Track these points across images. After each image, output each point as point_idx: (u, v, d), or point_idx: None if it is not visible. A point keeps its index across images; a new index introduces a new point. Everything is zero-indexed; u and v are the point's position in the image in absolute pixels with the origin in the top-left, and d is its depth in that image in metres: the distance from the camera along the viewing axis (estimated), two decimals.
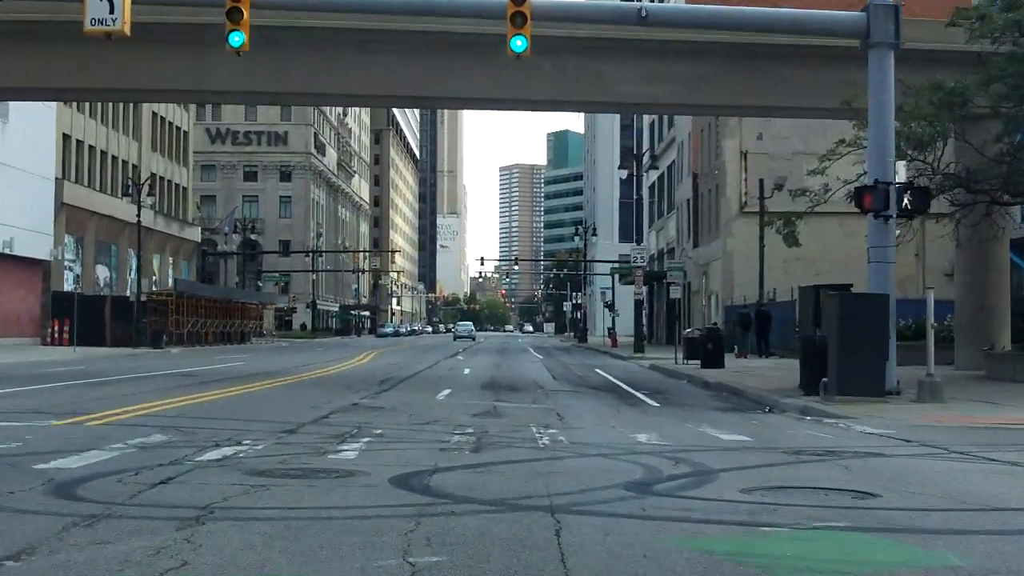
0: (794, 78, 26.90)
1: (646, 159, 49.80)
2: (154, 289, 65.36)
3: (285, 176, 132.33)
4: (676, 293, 36.51)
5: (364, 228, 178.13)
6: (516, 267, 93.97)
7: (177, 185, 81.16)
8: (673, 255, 66.56)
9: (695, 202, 57.81)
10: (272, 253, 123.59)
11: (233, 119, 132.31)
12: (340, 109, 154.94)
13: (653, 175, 49.71)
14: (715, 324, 46.52)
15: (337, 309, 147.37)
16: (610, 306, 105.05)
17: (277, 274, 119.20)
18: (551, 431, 13.50)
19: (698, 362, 32.67)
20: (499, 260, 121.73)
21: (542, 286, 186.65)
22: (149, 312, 58.60)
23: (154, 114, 76.05)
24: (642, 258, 46.89)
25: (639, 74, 25.98)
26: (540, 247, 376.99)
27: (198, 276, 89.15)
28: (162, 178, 77.33)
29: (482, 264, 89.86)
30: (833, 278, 49.70)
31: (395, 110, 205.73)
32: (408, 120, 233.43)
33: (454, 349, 58.18)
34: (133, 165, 71.40)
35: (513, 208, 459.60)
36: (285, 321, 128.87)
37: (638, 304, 48.91)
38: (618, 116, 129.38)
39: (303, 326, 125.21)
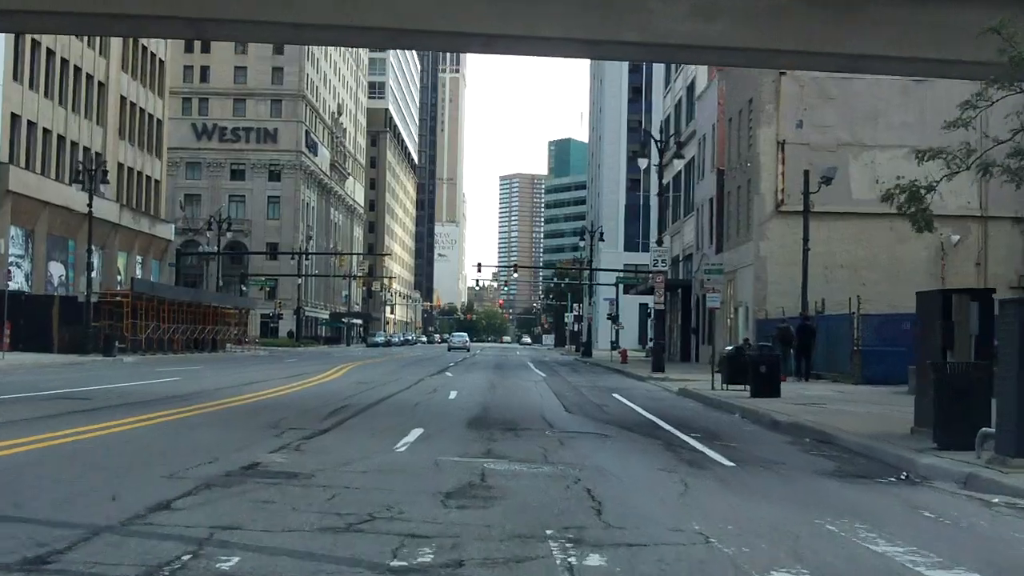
0: (889, 19, 20.31)
1: (670, 146, 43.11)
2: (118, 289, 58.63)
3: (274, 175, 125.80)
4: (715, 302, 29.57)
5: (358, 232, 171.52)
6: (516, 274, 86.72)
7: (148, 178, 74.53)
8: (691, 262, 59.94)
9: (719, 202, 51.22)
10: (257, 254, 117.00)
11: (220, 114, 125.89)
12: (334, 107, 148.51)
13: (678, 165, 43.20)
14: (747, 340, 39.93)
15: (327, 317, 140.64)
16: (614, 318, 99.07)
17: (263, 278, 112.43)
18: (588, 551, 6.85)
19: (742, 387, 26.11)
20: (497, 266, 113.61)
21: (541, 296, 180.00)
22: (104, 315, 51.98)
23: (123, 98, 69.45)
24: (663, 261, 40.21)
25: (689, 6, 19.40)
26: (539, 258, 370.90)
27: (177, 278, 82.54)
28: (131, 169, 70.75)
29: (479, 270, 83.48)
30: (881, 289, 43.04)
31: (393, 113, 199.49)
32: (407, 123, 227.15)
33: (445, 363, 51.59)
34: (96, 153, 64.79)
35: (513, 218, 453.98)
36: (271, 328, 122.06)
37: (658, 315, 42.23)
38: (626, 114, 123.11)
39: (290, 333, 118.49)
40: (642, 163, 53.01)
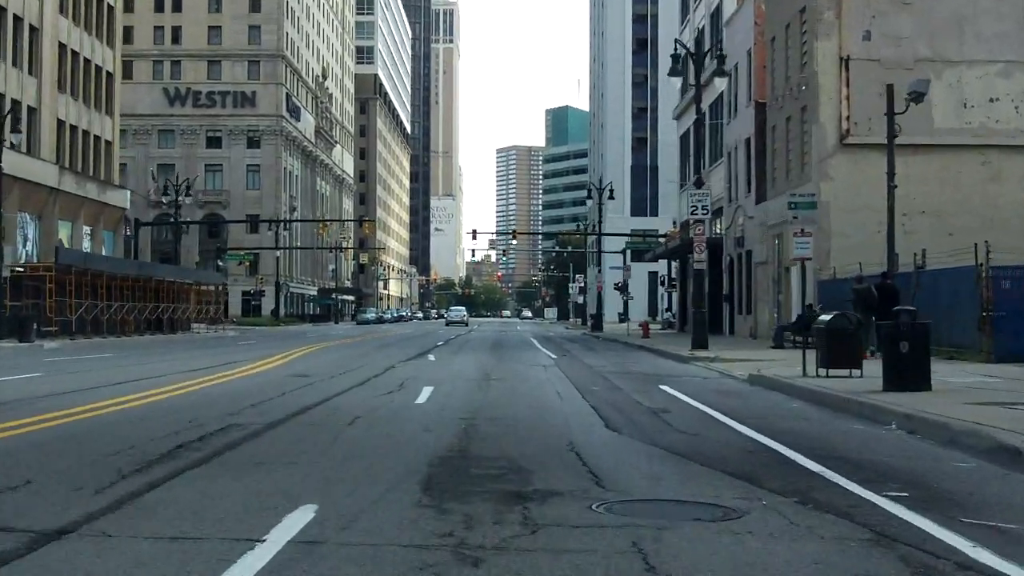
0: None
1: (706, 66, 34.30)
2: (35, 262, 50.00)
3: (253, 142, 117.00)
4: (805, 249, 20.47)
5: (348, 205, 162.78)
6: (515, 241, 77.93)
7: (97, 138, 65.73)
8: (719, 218, 51.32)
9: (759, 141, 42.53)
10: (228, 223, 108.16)
11: (194, 78, 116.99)
12: (319, 70, 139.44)
13: (719, 85, 34.39)
14: (809, 306, 31.40)
15: (315, 293, 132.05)
16: (623, 288, 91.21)
17: (242, 252, 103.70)
18: None
19: (841, 371, 17.73)
20: (495, 233, 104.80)
21: (541, 268, 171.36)
22: (26, 292, 43.51)
23: (62, 46, 60.56)
24: (704, 208, 31.51)
25: None
26: (539, 230, 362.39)
27: (135, 252, 73.97)
28: (74, 127, 61.96)
29: (474, 238, 73.91)
30: (975, 239, 34.47)
31: (383, 79, 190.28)
32: (398, 92, 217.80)
33: (431, 342, 43.10)
34: (29, 107, 56.09)
35: (511, 191, 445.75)
36: (253, 306, 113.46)
37: (698, 277, 33.50)
38: (630, 69, 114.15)
39: (274, 311, 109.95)
40: (675, 83, 43.58)
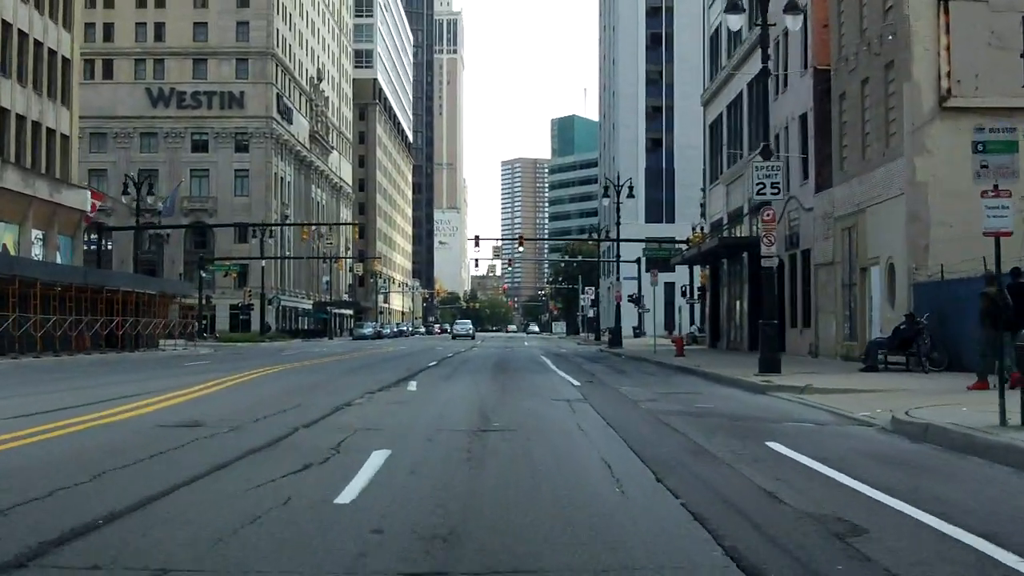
0: None
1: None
2: None
3: (241, 146, 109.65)
4: (1002, 220, 12.67)
5: (346, 214, 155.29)
6: (521, 248, 70.39)
7: (51, 131, 58.32)
8: (758, 213, 43.65)
9: (821, 115, 34.88)
10: (219, 227, 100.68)
11: (179, 77, 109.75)
12: (313, 71, 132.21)
13: (792, 25, 26.78)
14: (910, 316, 23.86)
15: (310, 307, 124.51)
16: (637, 300, 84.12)
17: (228, 263, 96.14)
18: None
19: None
20: (500, 239, 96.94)
21: (550, 279, 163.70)
22: None
23: (5, 24, 53.19)
24: (775, 185, 23.87)
25: None
26: (544, 245, 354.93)
27: (97, 260, 66.65)
28: (21, 116, 54.57)
29: (476, 245, 66.26)
30: None
31: (383, 84, 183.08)
32: (400, 99, 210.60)
33: (423, 362, 35.58)
34: None
35: (516, 203, 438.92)
36: (242, 321, 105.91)
37: (765, 280, 25.70)
38: (643, 64, 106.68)
39: (267, 326, 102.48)
40: (733, 23, 35.03)
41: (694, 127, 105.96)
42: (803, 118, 36.46)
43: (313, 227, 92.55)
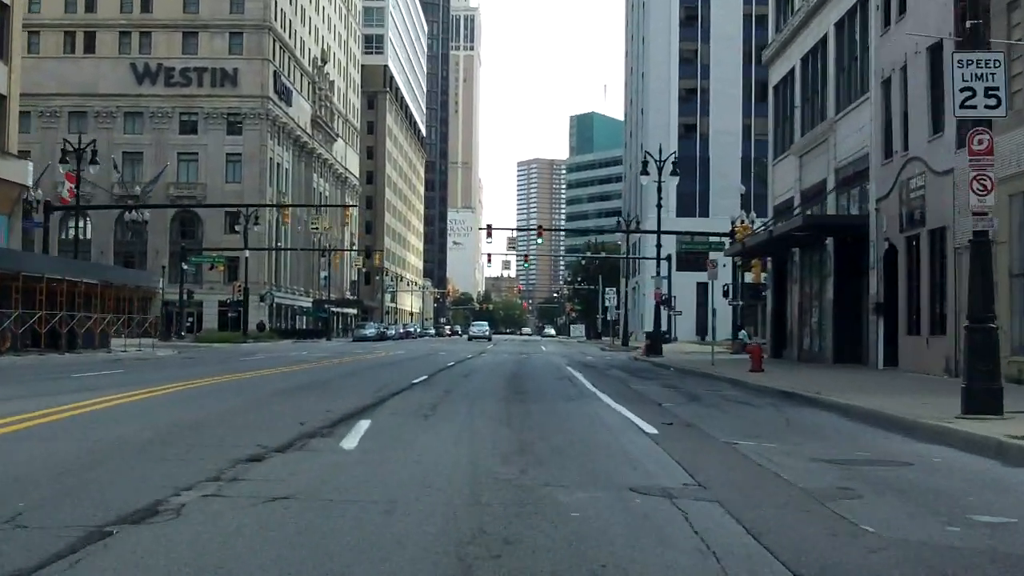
0: None
1: None
2: None
3: (234, 127, 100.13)
4: None
5: (351, 208, 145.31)
6: (540, 240, 61.71)
7: None
8: (851, 186, 33.86)
9: (971, 35, 24.94)
10: (192, 206, 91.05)
11: (166, 52, 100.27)
12: (317, 51, 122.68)
13: None
14: None
15: (310, 305, 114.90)
16: (665, 302, 74.90)
17: (214, 255, 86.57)
18: None
19: None
20: (515, 230, 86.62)
21: (568, 277, 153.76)
22: None
23: None
24: (993, 97, 14.08)
25: None
26: (560, 245, 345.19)
27: (42, 242, 57.05)
28: None
29: (489, 235, 56.44)
30: None
31: (394, 72, 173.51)
32: (412, 89, 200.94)
33: (409, 376, 25.82)
34: None
35: (531, 204, 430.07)
36: (231, 319, 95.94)
37: (979, 250, 15.53)
38: (677, 44, 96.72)
39: (260, 325, 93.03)
40: (732, 55, 26.21)
41: (731, 111, 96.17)
42: (934, 50, 26.55)
43: (298, 210, 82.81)
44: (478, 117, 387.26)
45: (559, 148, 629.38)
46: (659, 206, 47.29)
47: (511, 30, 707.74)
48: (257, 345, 67.74)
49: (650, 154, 48.57)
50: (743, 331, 57.25)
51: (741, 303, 67.03)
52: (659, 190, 47.20)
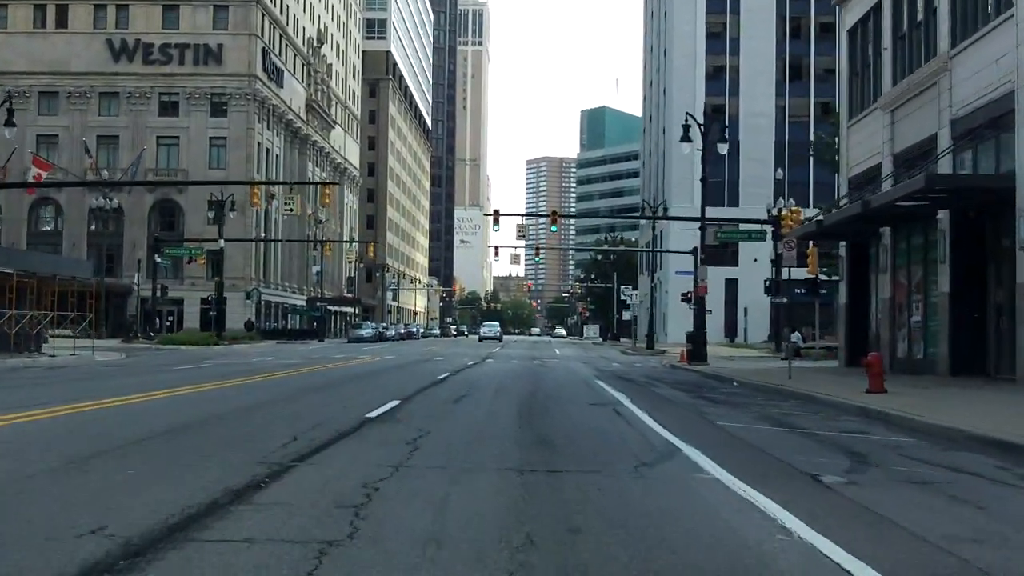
0: None
1: None
2: None
3: (218, 109, 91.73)
4: None
5: (351, 200, 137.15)
6: (554, 227, 53.95)
7: None
8: (981, 139, 25.17)
9: None
10: (161, 183, 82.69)
11: (145, 27, 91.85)
12: (312, 31, 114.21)
13: None
14: None
15: (303, 303, 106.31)
16: (693, 299, 67.11)
17: (191, 247, 78.02)
18: None
19: None
20: (523, 215, 78.61)
21: (581, 274, 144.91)
22: None
23: None
24: None
25: None
26: (570, 243, 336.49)
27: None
28: None
29: (495, 221, 47.37)
30: None
31: (397, 59, 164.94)
32: (416, 78, 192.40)
33: (371, 401, 17.18)
34: None
35: (540, 203, 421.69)
36: (213, 317, 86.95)
37: None
38: (704, 6, 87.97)
39: (248, 324, 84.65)
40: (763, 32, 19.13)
41: (764, 91, 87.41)
42: None
43: (289, 199, 74.12)
44: (486, 114, 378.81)
45: (568, 146, 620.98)
46: (704, 179, 38.61)
47: (519, 25, 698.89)
48: (231, 348, 59.27)
49: (692, 115, 39.78)
50: (796, 332, 48.58)
51: (786, 300, 58.35)
52: (704, 160, 38.50)
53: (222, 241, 65.26)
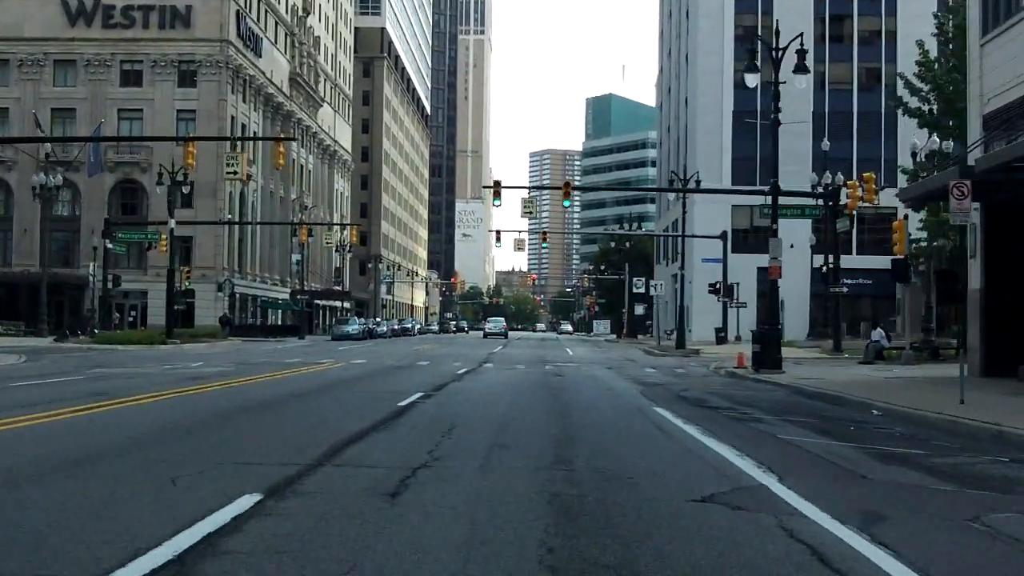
0: None
1: None
2: None
3: (187, 78, 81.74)
4: None
5: (342, 185, 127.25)
6: (567, 202, 44.55)
7: None
8: None
9: None
10: (104, 135, 72.78)
11: None
12: (297, 0, 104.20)
13: None
14: None
15: (287, 296, 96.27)
16: (722, 291, 59.28)
17: (148, 231, 68.08)
18: None
19: None
20: (528, 188, 70.57)
21: (590, 266, 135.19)
22: None
23: None
24: None
25: None
26: (573, 239, 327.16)
27: None
28: None
29: (497, 196, 37.10)
30: None
31: (393, 37, 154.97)
32: (414, 59, 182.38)
33: (332, 426, 7.29)
34: None
35: (544, 196, 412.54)
36: (181, 313, 76.51)
37: None
38: None
39: (223, 320, 74.57)
40: None
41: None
42: None
43: (271, 183, 64.13)
44: (489, 105, 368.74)
45: (572, 139, 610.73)
46: (776, 115, 28.84)
47: (521, 13, 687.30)
48: (181, 348, 49.46)
49: (763, 39, 29.99)
50: (878, 329, 38.58)
51: (845, 289, 48.50)
52: (776, 95, 28.72)
53: (173, 222, 55.29)
